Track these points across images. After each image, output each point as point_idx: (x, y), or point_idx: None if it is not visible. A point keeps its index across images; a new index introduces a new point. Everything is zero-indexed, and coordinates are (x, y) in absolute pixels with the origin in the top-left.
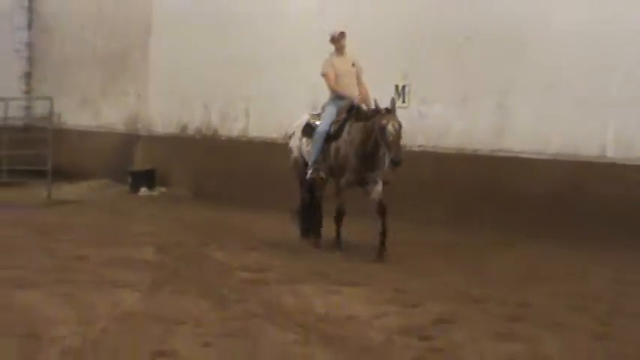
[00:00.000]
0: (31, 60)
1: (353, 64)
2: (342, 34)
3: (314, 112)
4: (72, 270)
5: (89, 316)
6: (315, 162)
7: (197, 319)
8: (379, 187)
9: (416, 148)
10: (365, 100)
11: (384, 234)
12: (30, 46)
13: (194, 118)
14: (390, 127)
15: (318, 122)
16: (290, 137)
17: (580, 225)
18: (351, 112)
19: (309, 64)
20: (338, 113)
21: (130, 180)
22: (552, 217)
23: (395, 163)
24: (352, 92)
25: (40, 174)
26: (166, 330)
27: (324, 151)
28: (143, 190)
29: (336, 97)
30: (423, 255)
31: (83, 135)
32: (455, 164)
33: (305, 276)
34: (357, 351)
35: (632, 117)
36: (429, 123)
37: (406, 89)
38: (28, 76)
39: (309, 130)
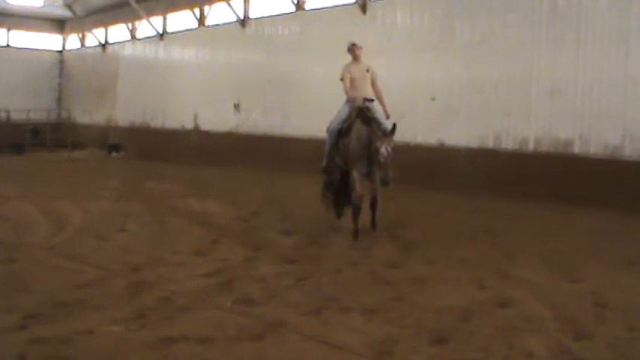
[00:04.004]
0: (60, 92)
1: (367, 70)
2: (355, 45)
3: None
4: (76, 190)
5: (87, 211)
6: (329, 153)
7: (138, 214)
8: (377, 184)
9: (243, 131)
10: (379, 98)
11: (374, 219)
12: (60, 85)
13: (137, 118)
14: (382, 150)
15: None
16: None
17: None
18: (359, 113)
19: (192, 93)
20: (349, 113)
21: (107, 148)
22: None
23: (383, 183)
24: (365, 92)
25: (64, 146)
26: (123, 219)
27: (337, 145)
28: (114, 154)
29: (349, 99)
30: (249, 188)
31: (85, 127)
32: (257, 142)
33: (190, 194)
34: (214, 227)
35: None
36: (250, 122)
37: (240, 105)
38: (59, 99)
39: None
